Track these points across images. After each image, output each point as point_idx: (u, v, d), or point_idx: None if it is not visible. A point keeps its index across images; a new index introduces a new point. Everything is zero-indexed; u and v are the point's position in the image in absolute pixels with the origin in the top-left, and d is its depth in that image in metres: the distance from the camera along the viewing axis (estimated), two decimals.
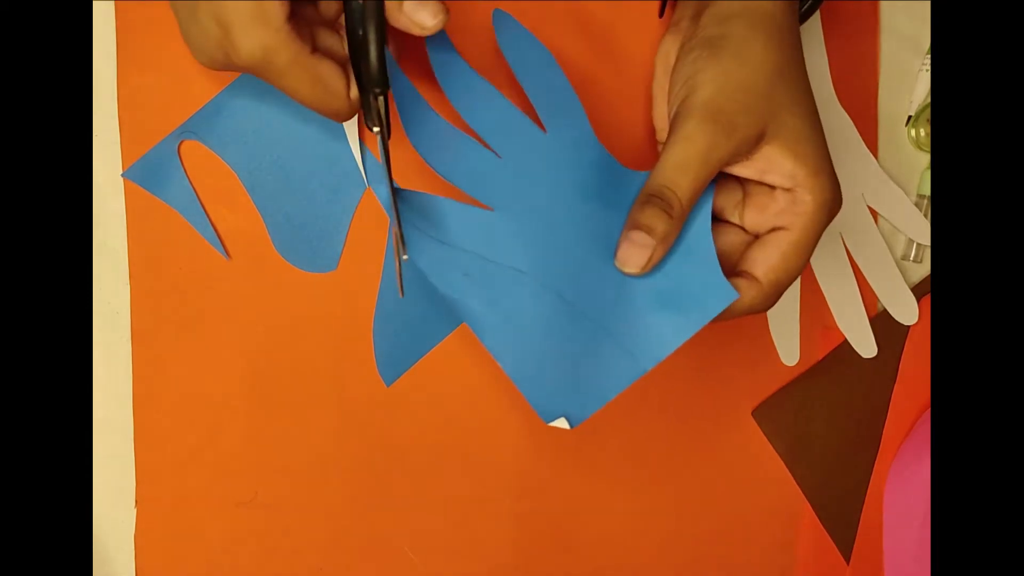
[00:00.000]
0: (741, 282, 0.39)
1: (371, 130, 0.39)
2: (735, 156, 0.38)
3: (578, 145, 0.41)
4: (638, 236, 0.38)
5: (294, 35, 0.36)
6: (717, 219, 0.41)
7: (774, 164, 0.38)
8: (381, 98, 0.37)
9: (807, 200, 0.38)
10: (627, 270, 0.38)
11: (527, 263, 0.40)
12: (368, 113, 0.38)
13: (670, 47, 0.42)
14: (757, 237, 0.40)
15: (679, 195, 0.37)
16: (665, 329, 0.39)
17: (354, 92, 0.38)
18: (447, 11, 0.37)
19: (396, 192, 0.39)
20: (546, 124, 0.41)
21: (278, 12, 0.35)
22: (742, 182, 0.40)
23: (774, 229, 0.39)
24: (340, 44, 0.39)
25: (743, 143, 0.37)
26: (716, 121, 0.37)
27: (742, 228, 0.41)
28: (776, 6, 0.39)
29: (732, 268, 0.40)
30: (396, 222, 0.39)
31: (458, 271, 0.40)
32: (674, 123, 0.39)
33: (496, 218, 0.41)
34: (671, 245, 0.38)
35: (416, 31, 0.37)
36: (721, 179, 0.40)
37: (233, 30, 0.35)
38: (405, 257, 0.39)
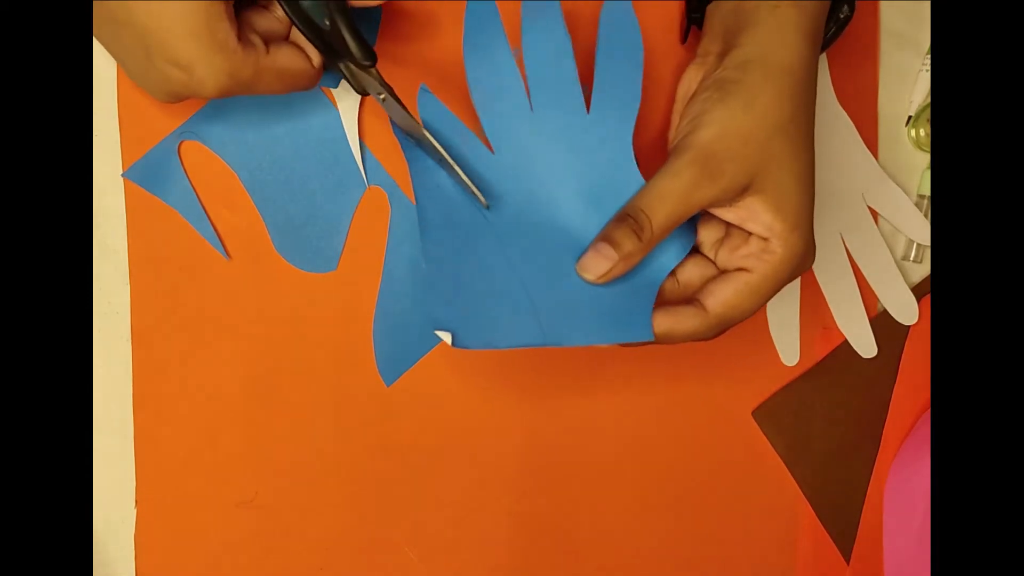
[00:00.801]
0: (689, 309, 0.40)
1: (377, 98, 0.41)
2: (717, 200, 0.39)
3: (607, 141, 0.42)
4: (604, 248, 0.39)
5: (249, 48, 0.37)
6: (694, 251, 0.42)
7: (754, 214, 0.39)
8: (374, 69, 0.40)
9: (777, 251, 0.39)
10: (584, 276, 0.40)
11: (495, 215, 0.41)
12: (357, 84, 0.41)
13: (692, 78, 0.43)
14: (723, 272, 0.41)
15: (652, 222, 0.38)
16: (580, 326, 0.40)
17: (316, 60, 0.40)
18: None
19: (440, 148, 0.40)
20: (593, 106, 0.42)
21: (230, 36, 0.36)
22: (725, 222, 0.41)
23: (739, 269, 0.40)
24: (274, 17, 0.40)
25: (727, 191, 0.39)
26: (706, 164, 0.38)
27: (714, 263, 0.42)
28: (796, 59, 0.39)
29: (689, 297, 0.41)
30: (457, 171, 0.40)
31: (432, 177, 0.41)
32: (670, 154, 0.40)
33: (490, 161, 0.41)
34: (633, 266, 0.39)
35: (372, 3, 0.39)
36: (707, 216, 0.41)
37: (195, 70, 0.36)
38: (486, 205, 0.40)
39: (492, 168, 0.42)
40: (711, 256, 0.42)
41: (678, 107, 0.43)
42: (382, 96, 0.40)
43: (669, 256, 0.41)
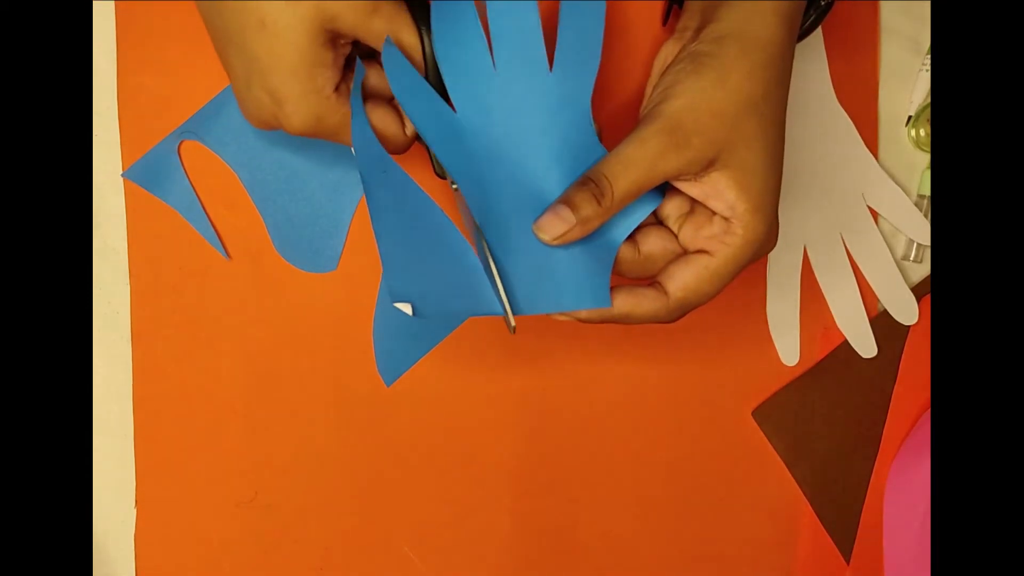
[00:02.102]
0: (651, 292, 0.40)
1: (451, 186, 0.40)
2: (682, 172, 0.39)
3: (567, 101, 0.41)
4: (563, 210, 0.39)
5: (344, 98, 0.38)
6: (660, 223, 0.42)
7: (718, 191, 0.39)
8: None
9: (738, 233, 0.39)
10: (540, 236, 0.39)
11: (455, 174, 0.40)
12: (439, 167, 0.41)
13: (669, 52, 0.43)
14: (685, 253, 0.41)
15: (614, 189, 0.38)
16: (539, 293, 0.40)
17: (410, 128, 0.40)
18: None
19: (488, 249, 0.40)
20: (555, 65, 0.41)
21: (328, 84, 0.38)
22: (691, 198, 0.41)
23: (700, 251, 0.40)
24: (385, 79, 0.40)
25: (692, 163, 0.38)
26: (673, 134, 0.38)
27: (676, 238, 0.42)
28: (772, 35, 0.39)
29: (651, 274, 0.41)
30: (496, 278, 0.39)
31: (382, 162, 0.40)
32: (639, 122, 0.40)
33: (451, 120, 0.40)
34: (590, 231, 0.39)
35: None
36: (673, 189, 0.41)
37: (286, 105, 0.37)
38: (513, 325, 0.40)
39: (454, 129, 0.41)
40: (675, 230, 0.42)
41: (652, 80, 0.43)
42: (455, 186, 0.40)
43: (629, 220, 0.41)
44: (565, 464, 0.49)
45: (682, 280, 0.40)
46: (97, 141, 0.45)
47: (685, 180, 0.39)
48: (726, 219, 0.39)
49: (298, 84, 0.37)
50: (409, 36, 0.38)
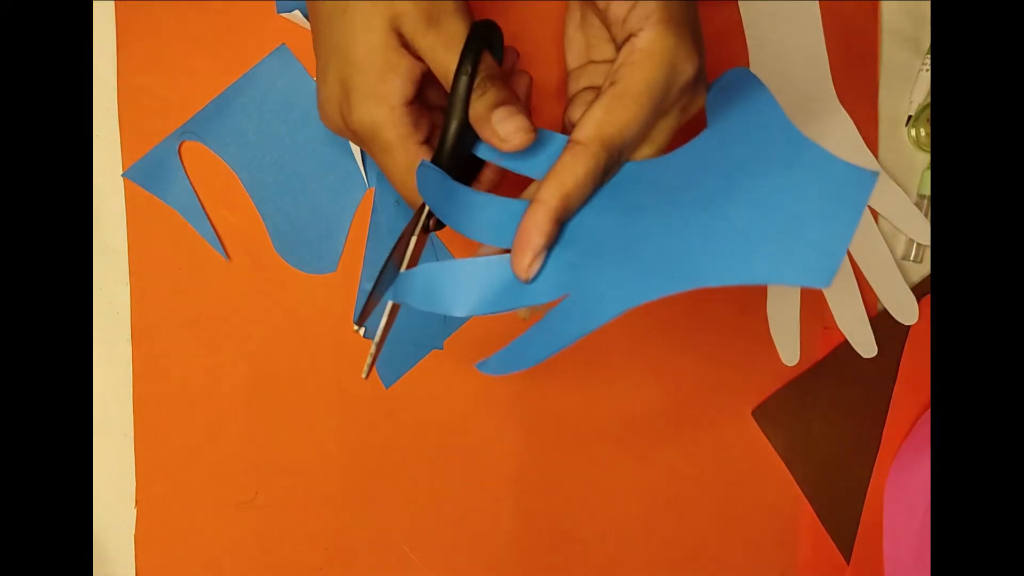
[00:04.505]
0: (565, 155, 0.35)
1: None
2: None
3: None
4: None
5: (408, 119, 0.37)
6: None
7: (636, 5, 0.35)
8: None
9: (643, 44, 0.35)
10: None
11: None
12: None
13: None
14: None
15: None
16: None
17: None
18: (533, 132, 0.35)
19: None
20: None
21: (398, 92, 0.36)
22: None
23: (610, 85, 0.35)
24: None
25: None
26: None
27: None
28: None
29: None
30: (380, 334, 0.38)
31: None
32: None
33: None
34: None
35: (496, 143, 0.36)
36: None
37: (352, 95, 0.36)
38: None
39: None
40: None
41: None
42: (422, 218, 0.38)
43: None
44: (565, 464, 0.49)
45: (592, 119, 0.34)
46: (97, 141, 0.46)
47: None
48: (631, 36, 0.35)
49: (368, 79, 0.36)
50: (449, 62, 0.36)
